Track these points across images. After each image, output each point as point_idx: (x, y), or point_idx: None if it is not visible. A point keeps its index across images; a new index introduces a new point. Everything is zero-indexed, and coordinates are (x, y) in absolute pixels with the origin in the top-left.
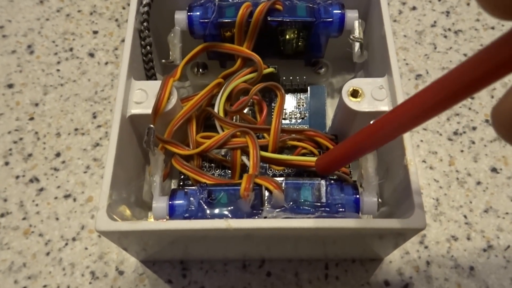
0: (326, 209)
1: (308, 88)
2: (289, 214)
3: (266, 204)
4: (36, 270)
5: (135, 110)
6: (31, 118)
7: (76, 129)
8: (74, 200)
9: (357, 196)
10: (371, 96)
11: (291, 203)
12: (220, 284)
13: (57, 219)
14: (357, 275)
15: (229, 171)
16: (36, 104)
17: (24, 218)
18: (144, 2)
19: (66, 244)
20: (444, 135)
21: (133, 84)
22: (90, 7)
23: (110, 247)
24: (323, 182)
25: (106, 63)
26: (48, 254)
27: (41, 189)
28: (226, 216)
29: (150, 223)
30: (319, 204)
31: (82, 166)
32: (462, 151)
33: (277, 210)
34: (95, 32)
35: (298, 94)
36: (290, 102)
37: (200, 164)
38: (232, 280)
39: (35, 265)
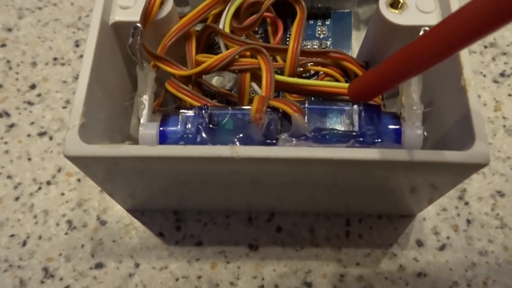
0: (360, 139)
1: (331, 13)
2: (311, 144)
3: (283, 133)
4: (2, 217)
5: (119, 17)
6: (3, 45)
7: (55, 59)
8: (50, 138)
9: (398, 126)
10: (415, 7)
11: (315, 129)
12: (221, 239)
13: (29, 159)
14: (384, 233)
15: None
16: (9, 29)
17: None
18: None
19: (40, 188)
20: (489, 76)
21: None
22: None
23: (91, 193)
24: (355, 107)
25: None
26: (17, 199)
27: (12, 125)
28: (233, 143)
29: (133, 148)
30: (350, 133)
31: (60, 100)
32: (510, 95)
33: (297, 139)
34: None
35: (318, 20)
36: (308, 30)
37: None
38: (235, 235)
39: (1, 211)
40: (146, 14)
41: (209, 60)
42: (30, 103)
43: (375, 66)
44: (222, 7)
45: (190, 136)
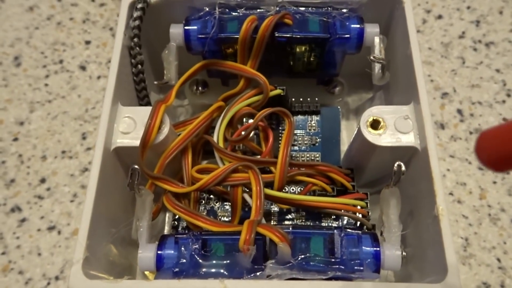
0: (341, 266)
1: (321, 110)
2: (296, 272)
3: (270, 258)
4: None
5: (121, 142)
6: (15, 139)
7: (63, 152)
8: (59, 232)
9: (377, 249)
10: (394, 127)
11: (299, 257)
12: None
13: (39, 254)
14: None
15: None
16: (21, 123)
17: (3, 253)
18: (134, 16)
19: (48, 283)
20: (474, 163)
21: (120, 111)
22: (83, 14)
23: None
24: (337, 232)
25: (99, 77)
26: None
27: (23, 220)
28: (222, 275)
29: (131, 283)
30: (332, 260)
31: (68, 194)
32: (494, 182)
33: (283, 267)
34: (88, 43)
35: (309, 116)
36: (300, 126)
37: (197, 196)
38: None
39: None
40: (145, 140)
41: (204, 178)
42: (40, 197)
43: None
44: (218, 114)
45: (184, 261)
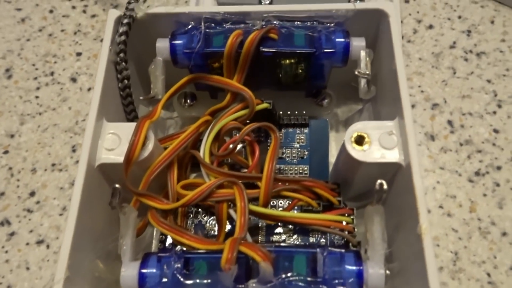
0: (323, 286)
1: (309, 122)
2: None
3: (252, 277)
4: None
5: (105, 158)
6: (6, 152)
7: (53, 164)
8: (48, 246)
9: (360, 268)
10: (378, 143)
11: (281, 276)
12: None
13: (27, 268)
14: None
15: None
16: (12, 136)
17: None
18: (120, 31)
19: None
20: (464, 175)
21: (104, 127)
22: (75, 25)
23: None
24: (320, 250)
25: (89, 89)
26: None
27: (12, 233)
28: None
29: None
30: (314, 279)
31: (57, 208)
32: (485, 195)
33: (265, 286)
34: (79, 54)
35: (298, 129)
36: (288, 139)
37: (185, 210)
38: None
39: None
40: (129, 157)
41: (189, 195)
42: (29, 210)
43: None
44: (205, 128)
45: (166, 281)
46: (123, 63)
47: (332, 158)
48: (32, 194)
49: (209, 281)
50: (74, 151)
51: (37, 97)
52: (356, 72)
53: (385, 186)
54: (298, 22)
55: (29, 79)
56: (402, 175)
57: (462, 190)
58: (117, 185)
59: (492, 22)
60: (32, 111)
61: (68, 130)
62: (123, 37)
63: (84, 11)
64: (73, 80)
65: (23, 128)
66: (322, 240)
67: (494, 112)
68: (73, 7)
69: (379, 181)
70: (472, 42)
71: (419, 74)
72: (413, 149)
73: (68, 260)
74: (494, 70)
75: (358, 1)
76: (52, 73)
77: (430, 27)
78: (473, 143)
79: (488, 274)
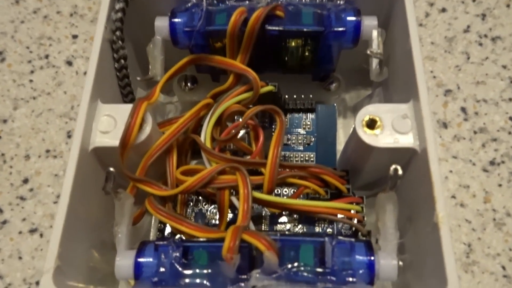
0: (332, 277)
1: (316, 107)
2: (283, 284)
3: (256, 267)
4: None
5: (100, 142)
6: None
7: (47, 151)
8: (41, 235)
9: (372, 258)
10: (391, 127)
11: (287, 267)
12: None
13: (20, 258)
14: None
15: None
16: (5, 121)
17: None
18: (116, 7)
19: None
20: (478, 165)
21: (99, 108)
22: (71, 7)
23: None
24: (328, 240)
25: (85, 73)
26: None
27: (4, 222)
28: (204, 286)
29: None
30: (322, 270)
31: (52, 195)
32: (500, 185)
33: (269, 277)
34: (75, 37)
35: (304, 114)
36: (294, 124)
37: (185, 198)
38: None
39: None
40: (125, 140)
41: (189, 180)
42: (22, 198)
43: None
44: (205, 112)
45: (164, 270)
46: (120, 42)
47: (340, 146)
48: (25, 181)
49: (209, 271)
50: (69, 137)
51: (31, 81)
52: (368, 52)
53: (400, 172)
54: (306, 0)
55: (23, 63)
56: (417, 161)
57: (476, 180)
58: (111, 168)
59: (508, 6)
60: (26, 95)
61: (63, 115)
62: (119, 14)
63: None
64: (69, 63)
65: (17, 113)
66: (329, 229)
67: (510, 99)
68: None
69: (393, 166)
70: (487, 26)
71: (431, 59)
72: (429, 133)
73: (58, 247)
74: (510, 56)
75: None
76: (47, 56)
77: (443, 10)
78: (487, 131)
79: (503, 267)
